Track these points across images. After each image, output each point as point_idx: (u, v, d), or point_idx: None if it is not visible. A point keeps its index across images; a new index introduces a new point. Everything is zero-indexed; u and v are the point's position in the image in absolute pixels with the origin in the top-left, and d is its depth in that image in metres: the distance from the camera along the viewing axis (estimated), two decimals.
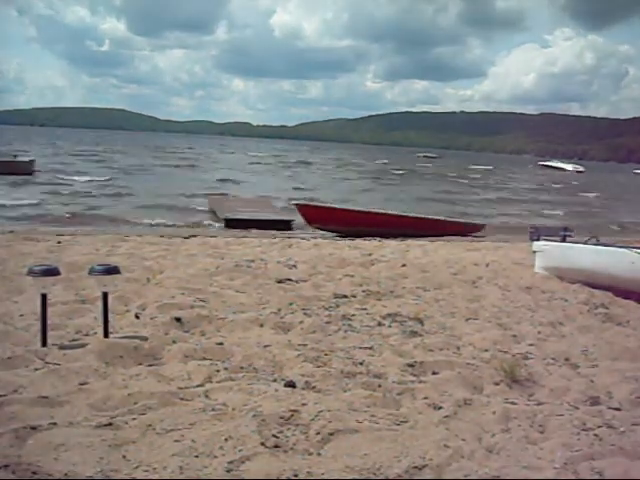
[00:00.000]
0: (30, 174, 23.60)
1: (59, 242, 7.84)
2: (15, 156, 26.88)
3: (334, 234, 11.79)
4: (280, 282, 5.67)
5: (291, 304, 4.82)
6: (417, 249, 9.19)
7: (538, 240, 6.84)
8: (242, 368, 3.38)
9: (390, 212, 13.29)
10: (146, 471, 2.22)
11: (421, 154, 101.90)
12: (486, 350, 3.93)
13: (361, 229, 11.45)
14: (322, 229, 12.16)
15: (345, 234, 11.27)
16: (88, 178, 24.33)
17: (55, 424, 2.52)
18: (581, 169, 74.10)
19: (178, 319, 4.15)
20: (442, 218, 14.04)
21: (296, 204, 12.67)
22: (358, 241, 10.07)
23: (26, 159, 25.66)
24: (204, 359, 3.48)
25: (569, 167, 75.70)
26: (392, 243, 9.93)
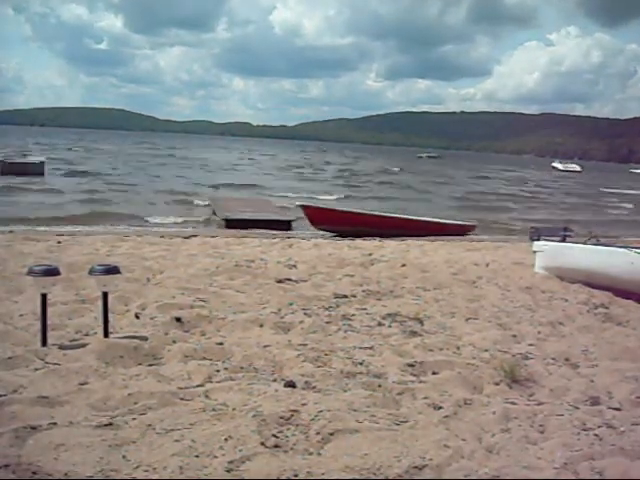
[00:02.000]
0: (42, 174, 23.80)
1: (59, 242, 7.84)
2: (25, 156, 27.13)
3: (334, 234, 11.80)
4: (280, 282, 5.67)
5: (291, 304, 4.82)
6: (417, 249, 9.19)
7: (538, 240, 6.85)
8: (242, 368, 3.38)
9: (392, 215, 13.30)
10: (146, 471, 2.22)
11: (423, 154, 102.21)
12: (486, 350, 3.93)
13: (363, 230, 11.47)
14: (326, 230, 12.20)
15: (347, 235, 11.29)
16: None
17: (55, 424, 2.52)
18: (578, 169, 77.45)
19: (178, 319, 4.15)
20: (440, 220, 14.10)
21: (301, 205, 12.74)
22: (358, 241, 10.07)
23: (37, 160, 25.81)
24: (204, 359, 3.48)
25: (560, 166, 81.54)
26: (392, 243, 9.93)
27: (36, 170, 24.29)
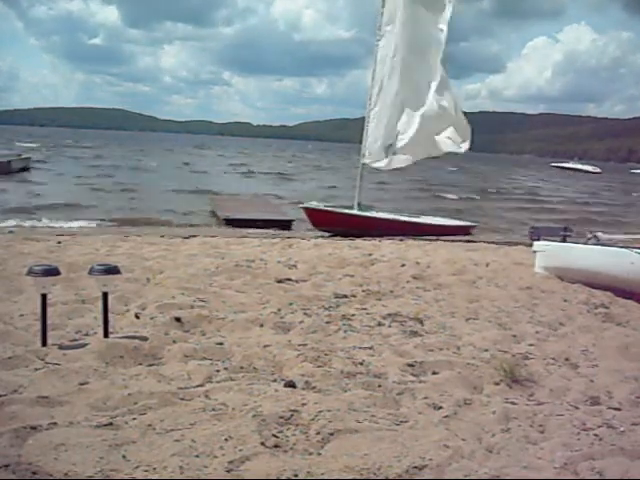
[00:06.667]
0: (7, 173, 23.40)
1: (59, 242, 7.84)
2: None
3: (334, 234, 11.80)
4: (280, 282, 5.67)
5: (291, 304, 4.82)
6: (417, 249, 9.19)
7: (538, 240, 6.85)
8: (242, 368, 3.38)
9: (392, 217, 13.28)
10: (146, 471, 2.22)
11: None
12: (486, 350, 3.93)
13: (364, 231, 11.46)
14: (327, 232, 12.22)
15: (347, 235, 11.28)
16: None
17: (55, 424, 2.52)
18: (598, 170, 73.98)
19: (178, 319, 4.15)
20: (439, 222, 14.05)
21: (303, 207, 12.80)
22: (358, 241, 10.06)
23: (4, 160, 25.33)
24: (204, 359, 3.48)
25: (587, 168, 76.07)
26: (392, 243, 9.93)
27: (21, 166, 24.72)
